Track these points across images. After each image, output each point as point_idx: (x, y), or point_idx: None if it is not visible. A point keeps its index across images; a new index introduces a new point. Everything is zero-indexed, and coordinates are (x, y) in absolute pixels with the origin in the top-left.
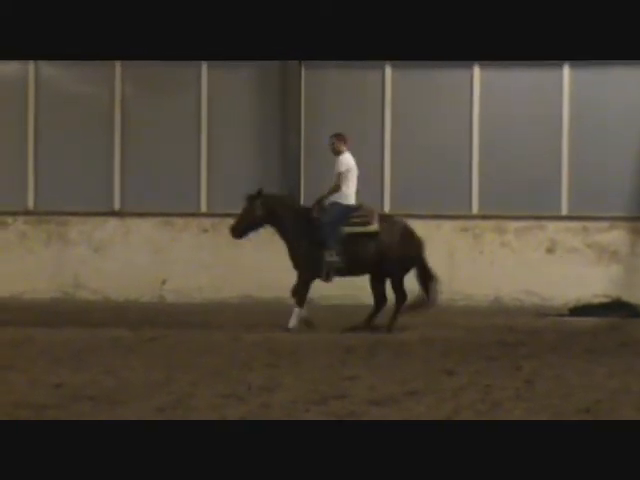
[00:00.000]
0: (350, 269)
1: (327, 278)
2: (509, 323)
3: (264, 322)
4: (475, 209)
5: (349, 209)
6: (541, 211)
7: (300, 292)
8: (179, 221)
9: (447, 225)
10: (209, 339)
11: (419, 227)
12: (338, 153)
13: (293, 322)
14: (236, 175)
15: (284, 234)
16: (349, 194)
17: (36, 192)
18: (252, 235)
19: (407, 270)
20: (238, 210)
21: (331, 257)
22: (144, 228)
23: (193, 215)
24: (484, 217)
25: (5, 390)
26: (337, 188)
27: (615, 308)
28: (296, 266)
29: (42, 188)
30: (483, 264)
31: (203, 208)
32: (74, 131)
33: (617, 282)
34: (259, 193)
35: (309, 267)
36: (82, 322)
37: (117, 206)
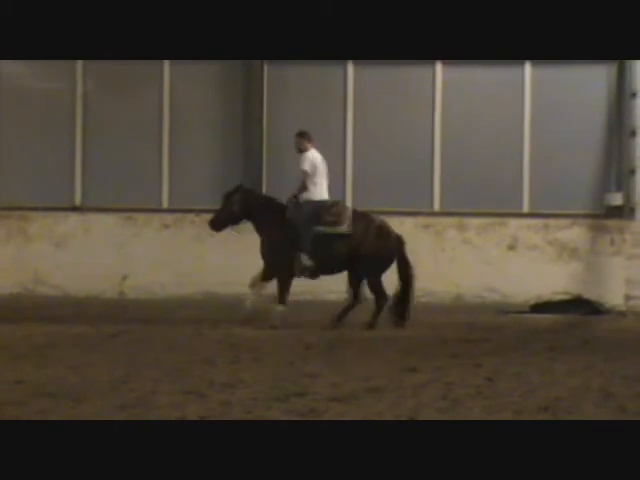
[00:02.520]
0: (321, 270)
1: (298, 276)
2: (470, 320)
3: (226, 318)
4: (437, 206)
5: (322, 207)
6: (502, 208)
7: (282, 291)
8: (141, 217)
9: (409, 222)
10: (171, 335)
11: None
12: (302, 151)
13: (277, 319)
14: (198, 171)
15: (259, 231)
16: (320, 191)
17: None
18: (230, 229)
19: (382, 269)
20: (200, 206)
21: (306, 261)
22: (105, 223)
23: (155, 211)
24: (446, 214)
25: None
26: (304, 187)
27: (576, 305)
28: (266, 264)
29: (3, 183)
30: (445, 261)
31: (165, 204)
32: (36, 127)
33: (578, 279)
34: (238, 188)
35: (285, 266)
36: (43, 318)
37: (78, 201)
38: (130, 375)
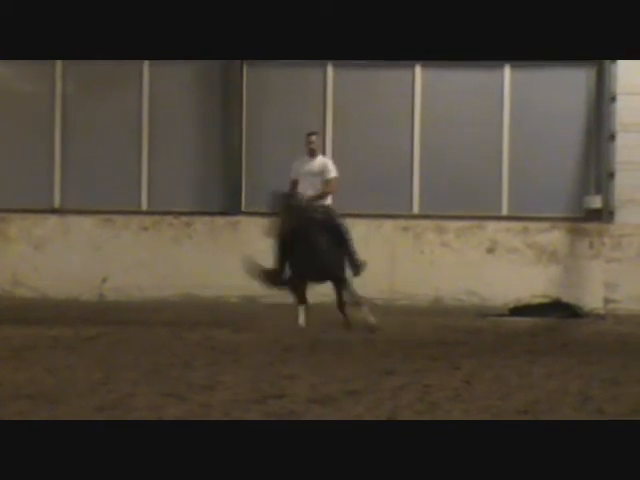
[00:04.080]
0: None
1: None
2: (449, 323)
3: (205, 321)
4: (416, 209)
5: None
6: (481, 211)
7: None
8: (119, 219)
9: (388, 224)
10: (149, 338)
11: (360, 226)
12: (314, 154)
13: (301, 319)
14: (177, 173)
15: (307, 238)
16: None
17: None
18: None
19: None
20: (179, 208)
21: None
22: (84, 226)
23: (134, 213)
24: (425, 217)
25: None
26: (330, 194)
27: (554, 308)
28: (329, 271)
29: None
30: (423, 264)
31: (144, 206)
32: (14, 128)
33: (557, 282)
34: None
35: (342, 267)
36: (21, 320)
37: (57, 203)
38: (108, 377)
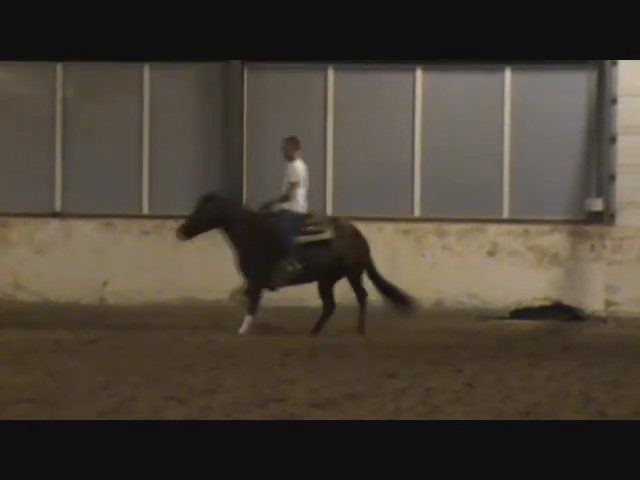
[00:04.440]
0: (303, 278)
1: (276, 287)
2: (450, 326)
3: (205, 324)
4: (417, 212)
5: (301, 217)
6: (482, 214)
7: (252, 301)
8: (121, 223)
9: (389, 227)
10: (150, 342)
11: (361, 229)
12: (291, 159)
13: (244, 328)
14: (178, 177)
15: (234, 240)
16: (301, 202)
17: None
18: (199, 237)
19: (362, 271)
20: (180, 212)
21: (291, 266)
22: (85, 230)
23: (135, 217)
24: (426, 220)
25: None
26: (286, 198)
27: (556, 311)
28: (245, 274)
29: None
30: (424, 267)
31: (145, 210)
32: (15, 132)
33: (558, 285)
34: (212, 195)
35: (260, 276)
36: (22, 324)
37: (58, 207)
38: (110, 381)
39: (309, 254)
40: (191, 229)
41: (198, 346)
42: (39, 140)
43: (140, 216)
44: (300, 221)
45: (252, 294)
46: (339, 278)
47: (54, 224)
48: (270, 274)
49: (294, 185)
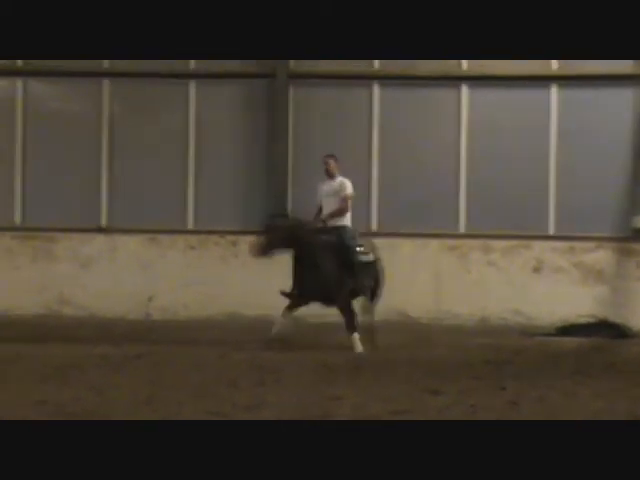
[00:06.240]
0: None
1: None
2: (495, 342)
3: (250, 340)
4: (462, 228)
5: (355, 234)
6: (528, 230)
7: (349, 317)
8: (166, 238)
9: (433, 244)
10: (195, 357)
11: (405, 246)
12: (331, 174)
13: (357, 346)
14: (223, 192)
15: (309, 259)
16: (349, 218)
17: (23, 208)
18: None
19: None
20: (225, 227)
21: (355, 284)
22: (131, 245)
23: (180, 232)
24: (471, 236)
25: None
26: (342, 211)
27: (601, 328)
28: (330, 292)
29: (29, 204)
30: (469, 283)
31: (190, 225)
32: (62, 148)
33: (603, 302)
34: (284, 214)
35: (346, 291)
36: (67, 339)
37: (104, 222)
38: (153, 396)
39: (360, 273)
40: (269, 246)
41: (243, 362)
42: (85, 155)
43: (185, 231)
44: (356, 238)
45: (347, 310)
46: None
47: (100, 239)
48: (348, 289)
49: (347, 198)
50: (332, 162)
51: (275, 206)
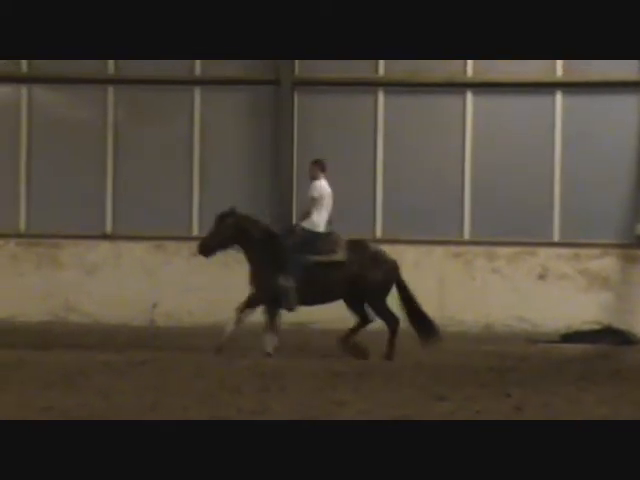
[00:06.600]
0: (315, 298)
1: (288, 306)
2: (499, 349)
3: (254, 346)
4: (466, 235)
5: (316, 236)
6: (532, 237)
7: (267, 316)
8: (171, 245)
9: (438, 251)
10: (200, 363)
11: (410, 252)
12: (313, 179)
13: (269, 347)
14: (228, 199)
15: (249, 256)
16: (319, 221)
17: (28, 215)
18: (219, 254)
19: (383, 295)
20: None
21: (285, 281)
22: (136, 251)
23: (185, 239)
24: (475, 243)
25: None
26: (307, 214)
27: (606, 335)
28: (256, 290)
29: (34, 211)
30: (474, 290)
31: (195, 232)
32: (66, 154)
33: (608, 309)
34: (232, 212)
35: (267, 293)
36: (73, 345)
37: (109, 229)
38: (158, 402)
39: (318, 274)
40: (210, 246)
41: (247, 367)
42: (90, 162)
43: (190, 238)
44: (313, 240)
45: (267, 309)
46: (362, 300)
47: (105, 246)
48: (277, 292)
49: (314, 201)
50: (312, 167)
51: (280, 212)
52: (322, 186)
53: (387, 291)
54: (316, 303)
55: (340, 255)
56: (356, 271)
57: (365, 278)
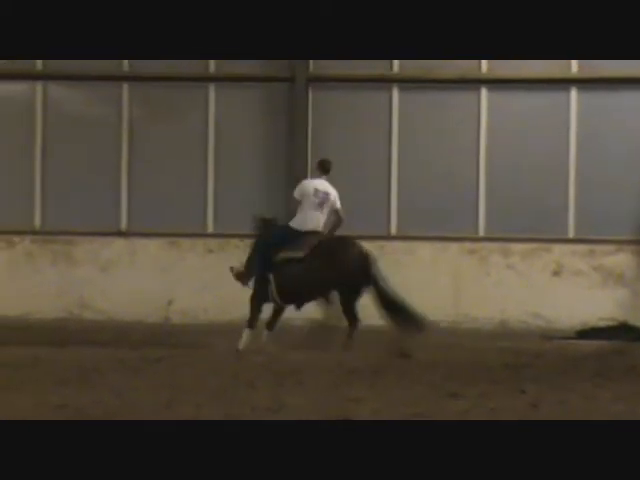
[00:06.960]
0: (292, 296)
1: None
2: (514, 346)
3: (269, 343)
4: (481, 231)
5: (292, 233)
6: (547, 233)
7: (249, 312)
8: (185, 241)
9: (453, 247)
10: (215, 360)
11: (425, 249)
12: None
13: (242, 344)
14: (243, 196)
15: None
16: (303, 219)
17: (43, 212)
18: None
19: (348, 289)
20: (244, 231)
21: (251, 282)
22: (150, 248)
23: (199, 236)
24: (490, 239)
25: (7, 411)
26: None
27: (622, 331)
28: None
29: (49, 208)
30: (489, 286)
31: (209, 229)
32: (81, 151)
33: (623, 305)
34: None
35: (255, 292)
36: (87, 342)
37: (123, 226)
38: (173, 400)
39: (286, 272)
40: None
41: (262, 364)
42: (105, 159)
43: (205, 235)
44: (289, 237)
45: (250, 304)
46: (349, 294)
47: (119, 243)
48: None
49: (297, 201)
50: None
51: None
52: (305, 185)
53: (348, 285)
54: (293, 301)
55: (300, 252)
56: (313, 267)
57: (323, 273)
